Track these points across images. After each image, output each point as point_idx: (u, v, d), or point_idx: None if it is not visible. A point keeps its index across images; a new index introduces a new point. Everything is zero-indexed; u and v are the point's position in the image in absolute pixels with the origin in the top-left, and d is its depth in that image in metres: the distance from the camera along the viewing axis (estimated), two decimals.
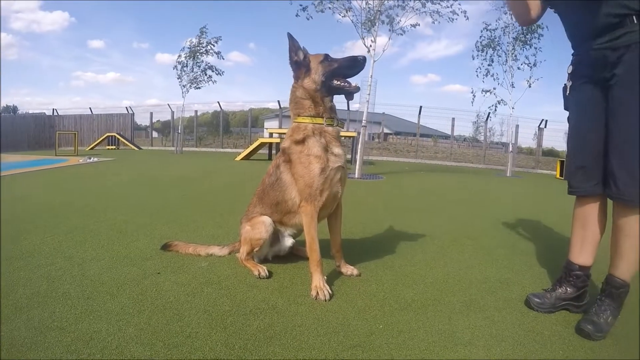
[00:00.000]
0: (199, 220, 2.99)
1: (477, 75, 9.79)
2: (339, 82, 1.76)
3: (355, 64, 1.76)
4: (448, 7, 7.30)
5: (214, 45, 13.29)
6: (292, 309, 1.54)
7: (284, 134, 1.94)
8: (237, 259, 1.99)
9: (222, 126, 18.50)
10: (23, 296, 1.56)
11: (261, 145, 10.50)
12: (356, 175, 6.72)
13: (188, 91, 13.61)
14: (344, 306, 1.58)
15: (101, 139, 15.88)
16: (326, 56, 1.77)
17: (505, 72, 9.62)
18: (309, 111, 1.78)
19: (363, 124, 7.10)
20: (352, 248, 2.31)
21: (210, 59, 13.54)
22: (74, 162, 8.33)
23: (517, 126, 12.75)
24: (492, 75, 9.70)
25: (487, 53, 9.69)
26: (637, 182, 1.36)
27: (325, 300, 1.61)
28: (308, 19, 7.30)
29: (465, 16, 7.45)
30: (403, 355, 1.25)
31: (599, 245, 1.60)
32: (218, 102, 17.64)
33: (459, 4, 7.33)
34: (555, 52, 13.58)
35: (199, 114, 19.25)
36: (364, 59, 1.77)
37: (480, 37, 9.68)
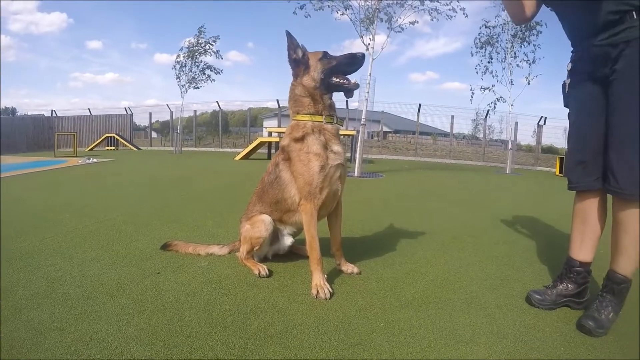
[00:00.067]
0: (198, 219, 2.98)
1: (477, 72, 9.81)
2: (338, 79, 1.75)
3: (354, 61, 1.76)
4: (447, 4, 7.30)
5: (212, 45, 13.31)
6: (293, 308, 1.53)
7: (283, 132, 1.93)
8: (237, 258, 1.99)
9: (221, 126, 18.52)
10: (23, 297, 1.55)
11: (260, 144, 10.50)
12: (356, 174, 6.72)
13: (187, 91, 13.65)
14: (345, 304, 1.58)
15: (100, 139, 15.89)
16: (325, 53, 1.76)
17: (504, 69, 9.65)
18: (308, 109, 1.77)
19: (362, 122, 7.10)
20: (352, 246, 2.31)
21: (209, 59, 13.58)
22: (73, 163, 8.32)
23: (516, 123, 12.78)
24: (491, 73, 9.72)
25: (485, 50, 9.70)
26: (637, 177, 1.36)
27: (326, 299, 1.61)
28: (306, 17, 7.29)
29: (464, 13, 7.46)
30: (404, 354, 1.24)
31: (600, 242, 1.60)
32: (217, 102, 17.67)
33: (458, 1, 7.34)
34: (554, 49, 13.59)
35: (197, 113, 19.28)
36: (363, 55, 1.76)
37: (479, 34, 9.69)
